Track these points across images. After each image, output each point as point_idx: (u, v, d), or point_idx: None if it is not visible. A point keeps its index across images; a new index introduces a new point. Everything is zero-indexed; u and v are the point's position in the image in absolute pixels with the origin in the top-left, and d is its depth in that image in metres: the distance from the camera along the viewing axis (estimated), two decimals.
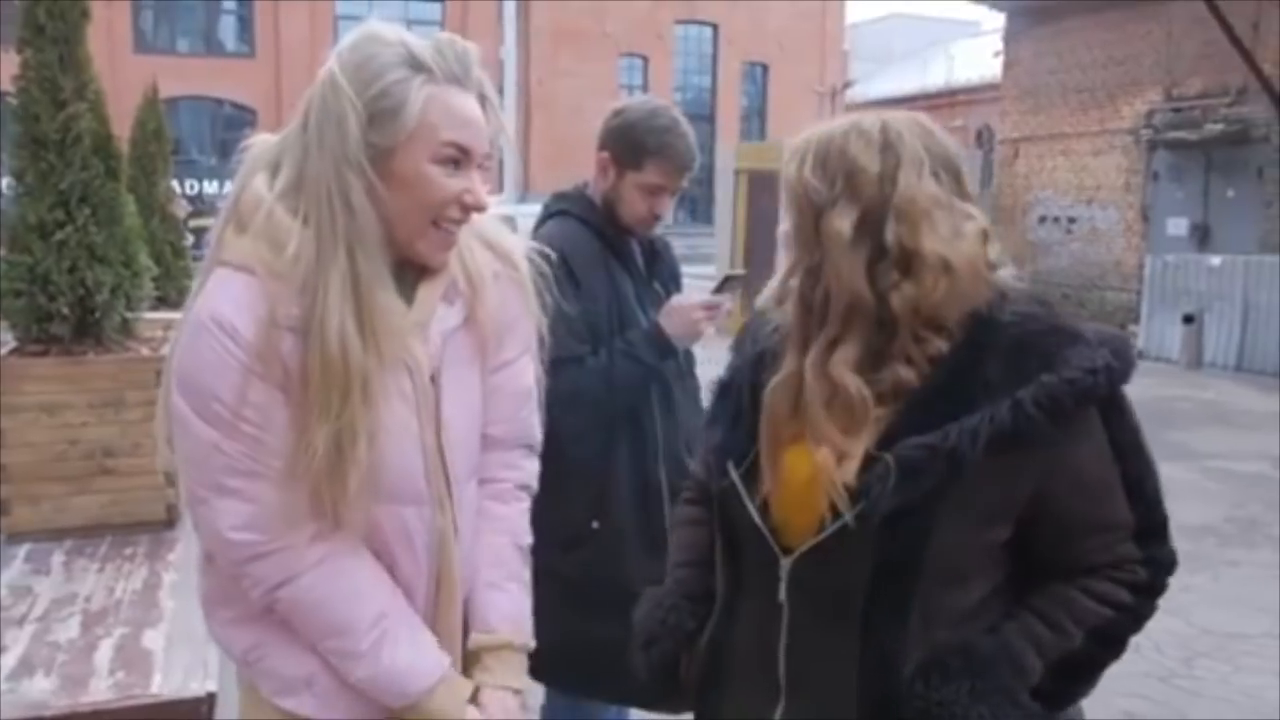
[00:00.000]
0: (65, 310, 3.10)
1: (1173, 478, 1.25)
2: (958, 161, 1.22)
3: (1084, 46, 15.12)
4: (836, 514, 1.16)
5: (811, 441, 1.19)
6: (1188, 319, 11.38)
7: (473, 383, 1.38)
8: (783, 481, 1.23)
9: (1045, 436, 1.12)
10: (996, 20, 18.20)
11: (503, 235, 1.44)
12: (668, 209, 2.21)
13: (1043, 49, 15.87)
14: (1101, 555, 1.20)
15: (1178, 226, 13.98)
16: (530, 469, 1.50)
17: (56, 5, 3.11)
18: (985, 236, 1.20)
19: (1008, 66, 16.87)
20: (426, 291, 1.32)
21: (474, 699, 1.33)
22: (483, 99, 1.30)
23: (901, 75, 29.82)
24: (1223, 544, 5.26)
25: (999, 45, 17.49)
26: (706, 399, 1.45)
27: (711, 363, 2.08)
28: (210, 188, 22.86)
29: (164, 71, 11.07)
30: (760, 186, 12.75)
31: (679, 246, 2.50)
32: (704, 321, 2.15)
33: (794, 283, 1.23)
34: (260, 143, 1.31)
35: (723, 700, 1.34)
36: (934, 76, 26.86)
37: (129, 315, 3.28)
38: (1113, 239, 15.05)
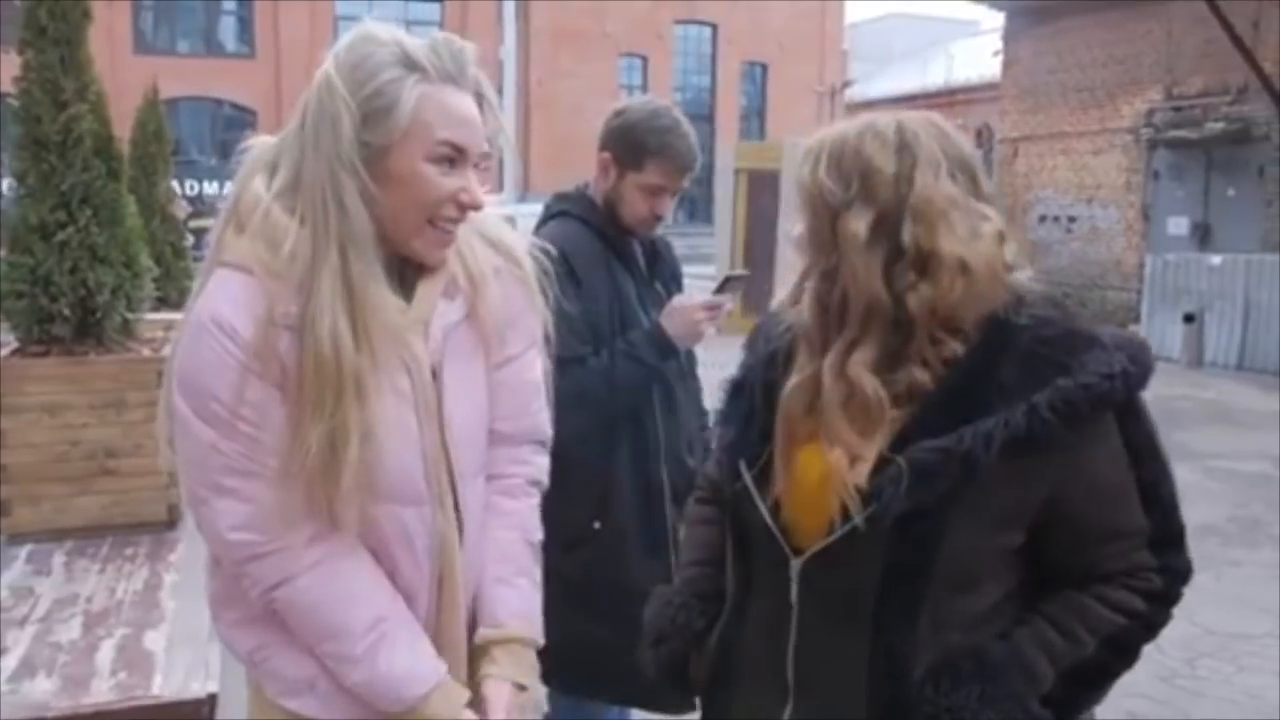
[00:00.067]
0: (66, 311, 3.10)
1: (1174, 477, 1.24)
2: (973, 162, 1.22)
3: (1084, 45, 15.12)
4: (848, 515, 1.15)
5: (826, 442, 1.19)
6: (1188, 318, 11.38)
7: (477, 378, 1.37)
8: (795, 482, 1.23)
9: (1060, 441, 1.11)
10: (996, 20, 18.20)
11: (504, 232, 1.44)
12: (669, 209, 2.21)
13: (1042, 48, 15.87)
14: (1116, 562, 1.19)
15: (1178, 225, 13.98)
16: (541, 464, 1.49)
17: (58, 6, 3.11)
18: (1001, 237, 1.19)
19: (1007, 66, 16.87)
20: (426, 289, 1.32)
21: (474, 700, 1.33)
22: (480, 98, 1.30)
23: (901, 75, 29.80)
24: (1225, 544, 5.27)
25: (998, 44, 17.49)
26: (710, 399, 1.45)
27: (713, 364, 2.08)
28: (210, 188, 22.85)
29: (164, 72, 11.07)
30: (760, 186, 12.75)
31: (678, 246, 2.50)
32: (705, 322, 2.15)
33: (809, 285, 1.23)
34: (259, 144, 1.32)
35: (731, 700, 1.34)
36: (933, 76, 26.84)
37: (130, 316, 3.28)
38: (1113, 238, 15.04)
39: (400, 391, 1.28)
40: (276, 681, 1.33)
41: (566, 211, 2.20)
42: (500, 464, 1.44)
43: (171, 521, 3.09)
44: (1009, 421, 1.11)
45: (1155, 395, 1.18)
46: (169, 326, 3.95)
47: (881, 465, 1.14)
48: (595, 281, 2.11)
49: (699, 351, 2.34)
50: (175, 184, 8.02)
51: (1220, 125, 13.03)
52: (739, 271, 3.01)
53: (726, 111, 33.83)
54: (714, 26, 33.79)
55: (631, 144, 2.13)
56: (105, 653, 2.18)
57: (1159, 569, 1.19)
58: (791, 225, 1.30)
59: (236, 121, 28.27)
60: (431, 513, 1.32)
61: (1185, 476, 1.24)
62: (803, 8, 33.53)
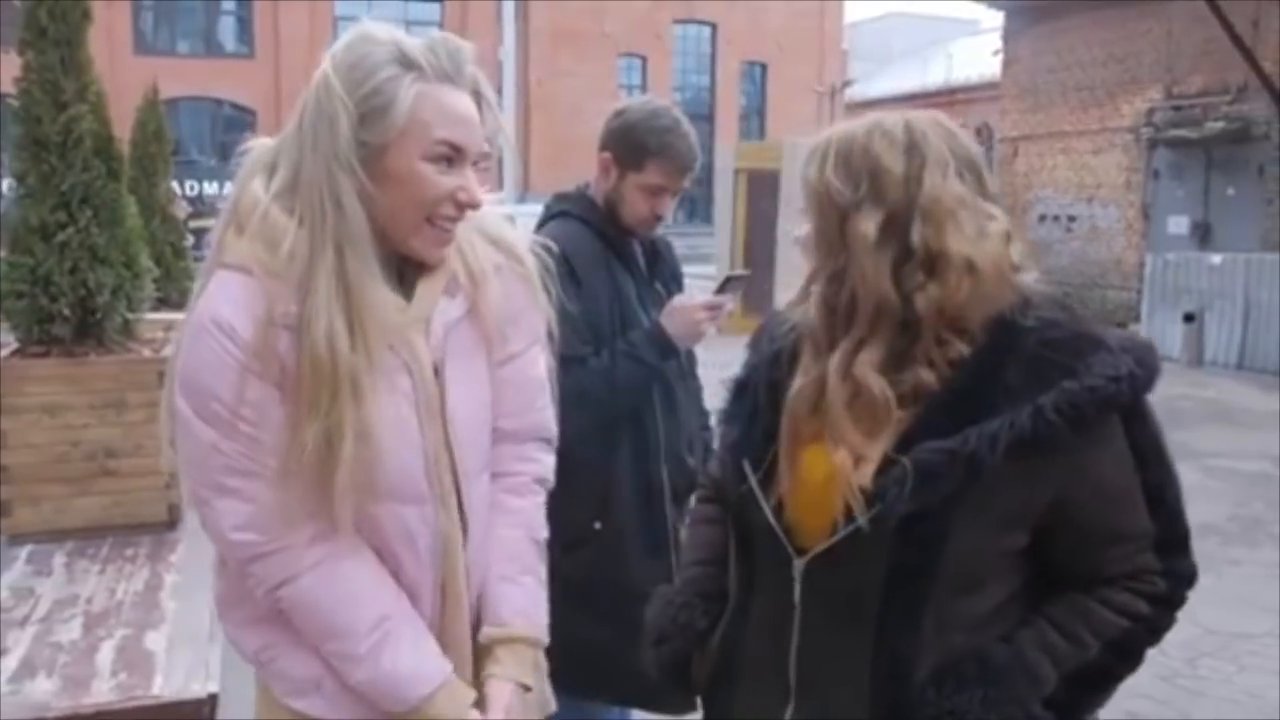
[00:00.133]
0: (66, 311, 3.10)
1: (1179, 481, 1.24)
2: (979, 161, 1.22)
3: (1083, 45, 15.12)
4: (851, 516, 1.15)
5: (831, 442, 1.18)
6: (1188, 317, 11.37)
7: (479, 375, 1.37)
8: (800, 482, 1.22)
9: (1066, 443, 1.11)
10: (995, 19, 18.20)
11: (505, 230, 1.44)
12: (669, 209, 2.21)
13: (1042, 47, 15.86)
14: (1120, 565, 1.19)
15: (1178, 225, 13.98)
16: (546, 462, 1.49)
17: (58, 7, 3.11)
18: (1008, 237, 1.19)
19: (1007, 65, 16.86)
20: (427, 286, 1.32)
21: (478, 702, 1.33)
22: (478, 96, 1.30)
23: (901, 74, 29.81)
24: (1225, 543, 5.26)
25: (998, 44, 17.48)
26: (711, 399, 1.45)
27: (714, 364, 2.08)
28: (210, 188, 22.83)
29: (164, 72, 11.07)
30: (760, 186, 12.74)
31: (678, 246, 2.50)
32: (706, 322, 2.14)
33: (817, 285, 1.22)
34: (258, 146, 1.32)
35: (733, 700, 1.34)
36: (933, 75, 26.85)
37: (130, 316, 3.28)
38: (1113, 237, 15.04)
39: (401, 389, 1.28)
40: (283, 681, 1.33)
41: (567, 212, 2.20)
42: (505, 462, 1.43)
43: (172, 522, 3.09)
44: (1014, 423, 1.10)
45: (1155, 395, 1.18)
46: (169, 327, 3.95)
47: (886, 466, 1.14)
48: (595, 281, 2.10)
49: (699, 351, 2.33)
50: (175, 184, 8.02)
51: (1220, 124, 13.03)
52: (740, 272, 3.01)
53: (726, 111, 33.83)
54: (713, 26, 33.78)
55: (632, 144, 2.13)
56: (106, 653, 2.18)
57: (1163, 572, 1.19)
58: (793, 226, 1.29)
59: (236, 122, 28.27)
60: (434, 512, 1.32)
61: (1186, 476, 1.24)
62: (802, 7, 33.52)
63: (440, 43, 1.28)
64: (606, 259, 2.16)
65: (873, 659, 1.17)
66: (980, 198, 1.19)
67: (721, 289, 2.24)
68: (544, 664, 1.44)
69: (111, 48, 22.76)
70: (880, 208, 1.16)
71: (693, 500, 1.72)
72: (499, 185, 1.65)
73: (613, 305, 2.13)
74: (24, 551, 2.88)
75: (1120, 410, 1.15)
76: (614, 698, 2.20)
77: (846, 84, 31.54)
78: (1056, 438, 1.10)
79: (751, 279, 2.62)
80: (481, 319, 1.36)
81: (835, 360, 1.19)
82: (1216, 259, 11.64)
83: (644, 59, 32.90)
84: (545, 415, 1.47)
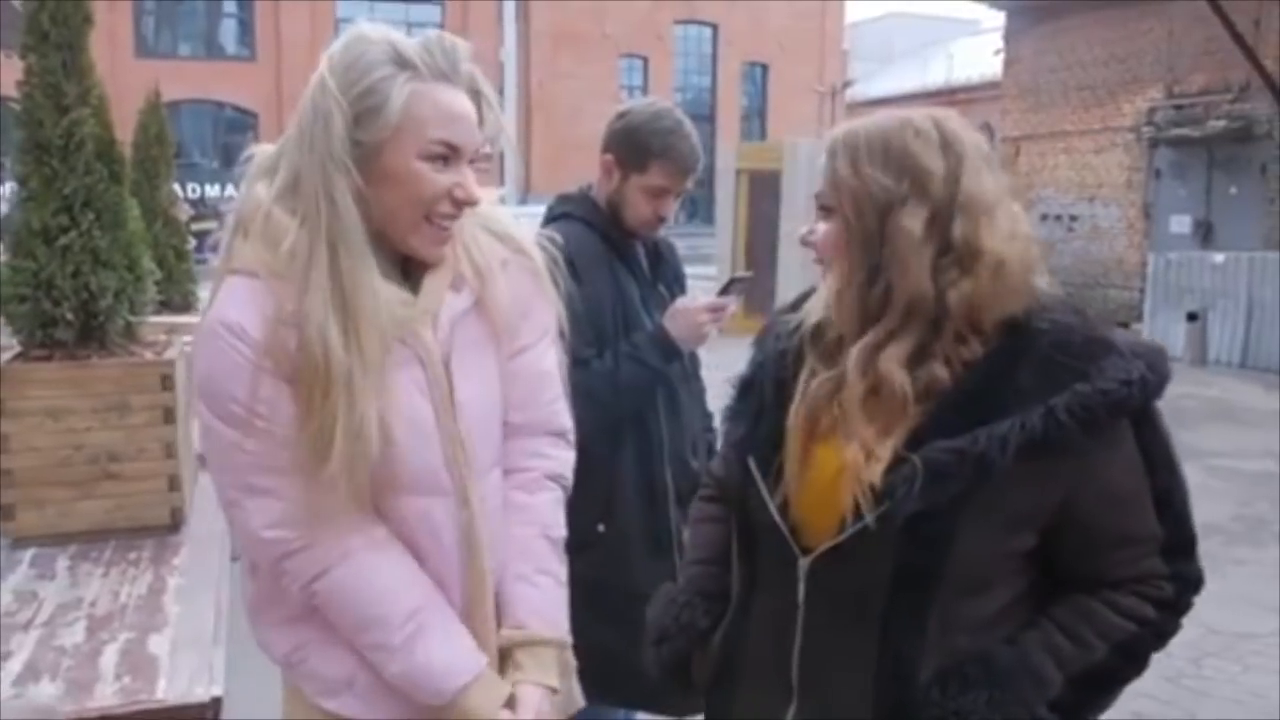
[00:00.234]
0: (69, 315, 3.09)
1: (1187, 486, 1.24)
2: (995, 161, 1.23)
3: (1085, 44, 15.10)
4: (860, 514, 1.15)
5: (843, 438, 1.18)
6: (1191, 317, 11.36)
7: (488, 368, 1.37)
8: (808, 479, 1.22)
9: (1077, 446, 1.11)
10: (996, 19, 18.18)
11: (510, 225, 1.44)
12: (672, 211, 2.21)
13: (1043, 47, 15.85)
14: (1127, 569, 1.19)
15: (1181, 224, 13.96)
16: (560, 458, 1.47)
17: (60, 11, 3.11)
18: (1032, 240, 1.20)
19: (1008, 65, 16.85)
20: (433, 282, 1.33)
21: (509, 703, 1.32)
22: (476, 95, 1.31)
23: (902, 74, 29.81)
24: (1229, 543, 5.25)
25: (999, 43, 17.47)
26: (714, 401, 1.44)
27: (716, 366, 2.08)
28: (212, 191, 22.83)
29: (165, 75, 11.06)
30: (761, 186, 12.74)
31: (679, 247, 2.50)
32: (709, 324, 2.14)
33: (845, 281, 1.21)
34: (260, 152, 1.33)
35: (734, 700, 1.34)
36: (934, 75, 26.85)
37: (133, 319, 3.28)
38: (1115, 237, 15.03)
39: (414, 381, 1.29)
40: (314, 682, 1.33)
41: (569, 213, 2.20)
42: (515, 457, 1.42)
43: (175, 525, 3.09)
44: (1025, 424, 1.10)
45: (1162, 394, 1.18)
46: (172, 329, 3.96)
47: (896, 464, 1.14)
48: (598, 283, 2.10)
49: (702, 353, 2.33)
50: (177, 187, 8.02)
51: (1222, 123, 13.01)
52: (743, 274, 3.01)
53: (727, 112, 33.85)
54: (714, 27, 33.81)
55: (634, 146, 2.13)
56: (109, 657, 2.18)
57: (1170, 577, 1.19)
58: (795, 225, 1.29)
59: (238, 124, 28.34)
60: (456, 505, 1.32)
61: (1189, 476, 1.24)
62: (803, 7, 33.54)
63: (436, 41, 1.28)
64: (609, 260, 2.16)
65: (877, 659, 1.17)
66: (1009, 196, 1.20)
67: (724, 291, 2.24)
68: (572, 662, 1.43)
69: (113, 51, 22.82)
70: (925, 204, 1.16)
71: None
72: (500, 184, 1.65)
73: (615, 307, 2.13)
74: (27, 555, 2.88)
75: (1131, 414, 1.15)
76: (619, 700, 2.20)
77: (847, 84, 31.55)
78: (1067, 439, 1.10)
79: (754, 280, 2.62)
80: (489, 313, 1.36)
81: (856, 354, 1.18)
82: (1219, 258, 11.63)
83: (645, 60, 32.93)
84: (556, 409, 1.46)
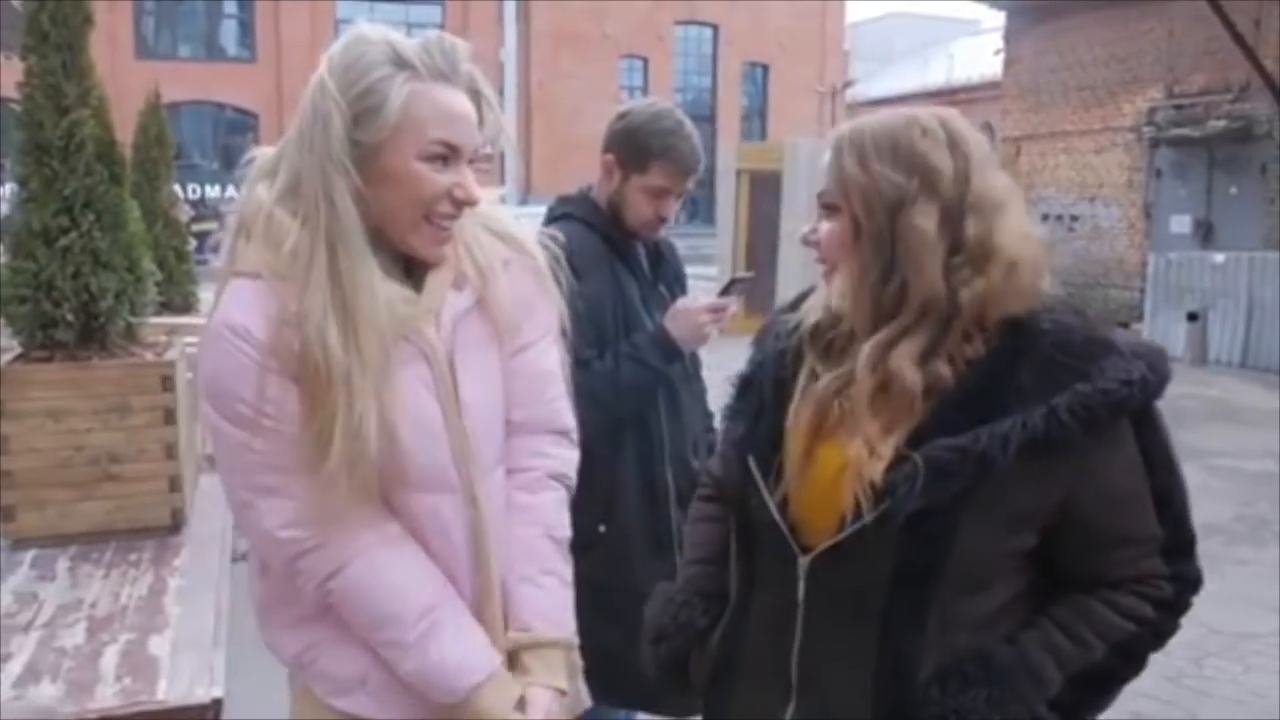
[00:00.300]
0: (69, 316, 3.09)
1: (1186, 486, 1.25)
2: (997, 160, 1.24)
3: (1085, 44, 15.10)
4: (860, 512, 1.15)
5: (847, 435, 1.18)
6: (1192, 316, 11.36)
7: (491, 367, 1.37)
8: (810, 478, 1.22)
9: (1078, 445, 1.11)
10: (997, 19, 18.18)
11: (511, 224, 1.44)
12: (673, 211, 2.21)
13: (1043, 47, 15.85)
14: (1126, 569, 1.19)
15: (1181, 224, 13.96)
16: (563, 456, 1.46)
17: (60, 11, 3.11)
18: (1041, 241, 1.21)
19: (1008, 65, 16.85)
20: (435, 281, 1.33)
21: (519, 705, 1.32)
22: (476, 95, 1.31)
23: (902, 74, 29.81)
24: (1230, 542, 5.25)
25: (999, 43, 17.47)
26: (716, 401, 1.44)
27: (717, 366, 2.08)
28: (212, 192, 22.83)
29: (166, 76, 11.06)
30: (761, 187, 12.74)
31: (680, 247, 2.50)
32: (710, 324, 2.14)
33: (855, 280, 1.20)
34: (261, 154, 1.34)
35: (732, 699, 1.33)
36: (934, 75, 26.87)
37: (133, 320, 3.27)
38: (1115, 237, 15.02)
39: (420, 377, 1.29)
40: (326, 681, 1.33)
41: (569, 214, 2.20)
42: (517, 456, 1.42)
43: (175, 526, 3.09)
44: (1026, 423, 1.10)
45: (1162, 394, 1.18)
46: (173, 331, 3.95)
47: (897, 462, 1.14)
48: (599, 284, 2.10)
49: (703, 354, 2.33)
50: (178, 188, 8.02)
51: (1222, 123, 13.01)
52: (744, 274, 3.01)
53: (728, 112, 33.86)
54: (714, 27, 33.82)
55: (635, 146, 2.13)
56: (110, 658, 2.18)
57: (1169, 577, 1.19)
58: (796, 225, 1.29)
59: (238, 125, 28.36)
60: (464, 501, 1.32)
61: (1189, 475, 1.24)
62: (803, 8, 33.55)
63: (435, 42, 1.29)
64: (610, 261, 2.16)
65: (876, 657, 1.17)
66: (1016, 195, 1.21)
67: (725, 291, 2.24)
68: (579, 662, 1.43)
69: (113, 52, 22.84)
70: (936, 202, 1.16)
71: None
72: (501, 185, 1.65)
73: (616, 308, 2.13)
74: (28, 556, 2.88)
75: (1131, 414, 1.15)
76: (621, 700, 2.20)
77: (848, 84, 31.56)
78: (1069, 439, 1.10)
79: (755, 280, 2.62)
80: (491, 312, 1.36)
81: (868, 351, 1.18)
82: (1219, 258, 11.63)
83: (645, 60, 32.94)
84: (557, 407, 1.46)
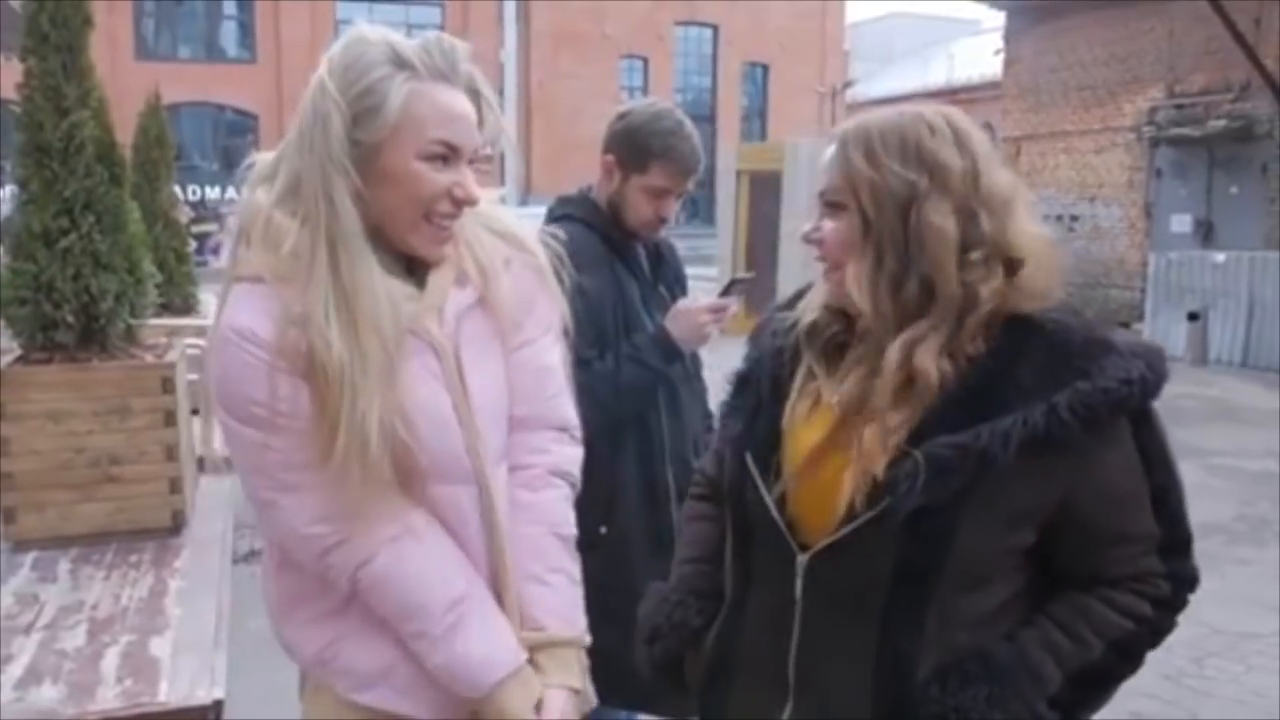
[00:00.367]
0: (70, 318, 3.10)
1: (1182, 485, 1.25)
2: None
3: (1085, 44, 15.10)
4: (860, 510, 1.14)
5: (855, 432, 1.17)
6: (1193, 316, 11.35)
7: (495, 363, 1.37)
8: (809, 476, 1.21)
9: (1077, 443, 1.11)
10: (997, 19, 18.17)
11: (512, 223, 1.44)
12: (673, 212, 2.20)
13: (1044, 47, 15.85)
14: (1123, 567, 1.19)
15: (1181, 223, 13.95)
16: (565, 453, 1.45)
17: (59, 13, 3.11)
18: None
19: (1009, 65, 16.85)
20: (437, 278, 1.33)
21: (537, 705, 1.32)
22: (475, 95, 1.31)
23: (902, 74, 29.81)
24: (1231, 542, 5.25)
25: (999, 43, 17.46)
26: (716, 402, 1.44)
27: (718, 367, 2.07)
28: (213, 193, 22.83)
29: (166, 78, 11.07)
30: (761, 187, 12.74)
31: (680, 247, 2.50)
32: (710, 325, 2.14)
33: (880, 277, 1.18)
34: (260, 159, 1.34)
35: (729, 699, 1.33)
36: (935, 75, 26.87)
37: (133, 322, 3.28)
38: (1116, 236, 15.02)
39: (430, 370, 1.29)
40: (348, 677, 1.33)
41: (569, 214, 2.20)
42: (518, 453, 1.41)
43: (176, 528, 3.10)
44: (1027, 420, 1.10)
45: (1159, 395, 1.18)
46: (173, 332, 3.96)
47: (898, 459, 1.13)
48: (599, 284, 2.10)
49: (704, 354, 2.33)
50: (177, 189, 8.02)
51: (1223, 123, 13.00)
52: (744, 274, 3.01)
53: (728, 112, 33.86)
54: (714, 27, 33.82)
55: (635, 147, 2.12)
56: (111, 660, 2.18)
57: (1166, 575, 1.19)
58: (797, 224, 1.28)
59: (238, 126, 28.37)
60: (480, 492, 1.33)
61: (1190, 475, 1.24)
62: (803, 8, 33.55)
63: (434, 42, 1.29)
64: (610, 261, 2.16)
65: (876, 655, 1.17)
66: (1022, 192, 1.21)
67: (726, 292, 2.23)
68: (585, 661, 1.42)
69: (113, 53, 22.84)
70: (948, 200, 1.16)
71: None
72: (501, 183, 1.66)
73: (616, 308, 2.13)
74: (29, 558, 2.88)
75: (1130, 413, 1.15)
76: (621, 700, 2.20)
77: (848, 84, 31.56)
78: (1069, 437, 1.10)
79: (755, 280, 2.62)
80: (493, 309, 1.36)
81: (898, 348, 1.16)
82: (1220, 257, 11.62)
83: (645, 60, 32.94)
84: (558, 402, 1.46)
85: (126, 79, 16.39)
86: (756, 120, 35.00)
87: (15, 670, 2.13)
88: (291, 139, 1.28)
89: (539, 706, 1.32)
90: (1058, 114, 15.75)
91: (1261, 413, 8.74)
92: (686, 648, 1.38)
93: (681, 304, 2.18)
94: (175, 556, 2.93)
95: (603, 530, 2.10)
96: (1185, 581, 1.21)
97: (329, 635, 1.33)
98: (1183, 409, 8.39)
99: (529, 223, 1.50)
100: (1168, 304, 11.95)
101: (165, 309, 5.12)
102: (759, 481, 1.25)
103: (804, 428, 1.25)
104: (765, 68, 34.76)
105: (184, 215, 7.73)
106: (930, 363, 1.15)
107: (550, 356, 1.45)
